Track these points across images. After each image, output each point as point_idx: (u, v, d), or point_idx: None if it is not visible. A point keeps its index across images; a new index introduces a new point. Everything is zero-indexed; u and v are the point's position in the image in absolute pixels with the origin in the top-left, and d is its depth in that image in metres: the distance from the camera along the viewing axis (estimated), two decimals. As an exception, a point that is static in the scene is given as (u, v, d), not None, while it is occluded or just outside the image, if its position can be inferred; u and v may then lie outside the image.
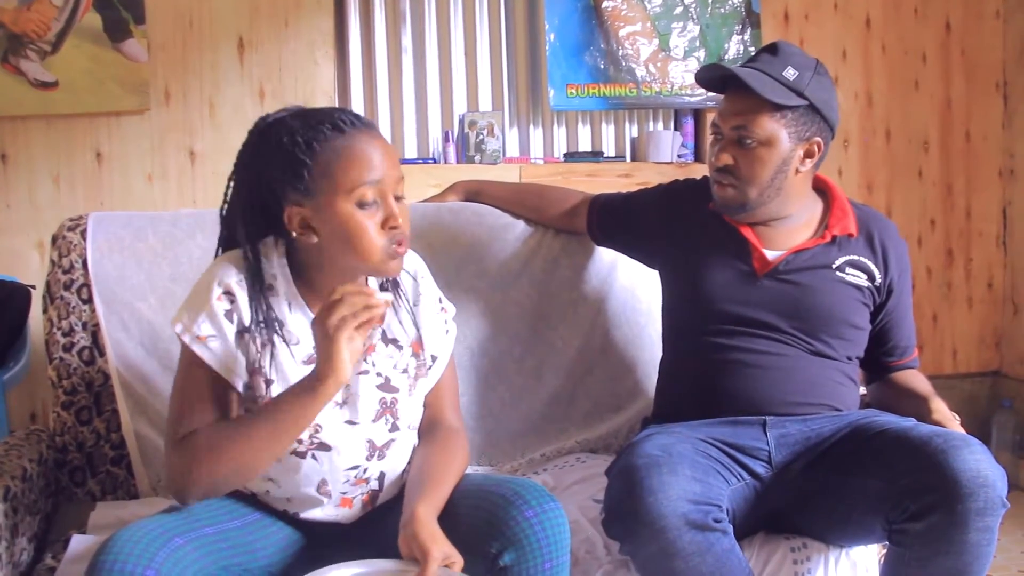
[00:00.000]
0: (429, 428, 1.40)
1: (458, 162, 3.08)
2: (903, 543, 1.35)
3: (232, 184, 1.29)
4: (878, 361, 1.70)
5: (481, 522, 1.20)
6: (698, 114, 3.33)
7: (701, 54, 3.25)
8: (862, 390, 1.71)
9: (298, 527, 1.34)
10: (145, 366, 1.71)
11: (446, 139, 3.11)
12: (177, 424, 1.22)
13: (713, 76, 1.62)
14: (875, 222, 1.68)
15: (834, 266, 1.61)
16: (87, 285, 1.73)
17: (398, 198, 1.25)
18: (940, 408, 1.55)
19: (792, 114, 1.55)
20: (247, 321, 1.24)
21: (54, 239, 1.77)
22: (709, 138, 1.66)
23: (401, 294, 1.38)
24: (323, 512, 1.33)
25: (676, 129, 3.33)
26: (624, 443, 1.73)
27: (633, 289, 1.99)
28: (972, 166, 3.53)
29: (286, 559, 1.31)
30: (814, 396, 1.57)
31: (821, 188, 1.70)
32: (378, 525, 1.33)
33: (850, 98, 3.37)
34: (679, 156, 3.25)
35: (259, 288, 1.25)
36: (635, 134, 3.35)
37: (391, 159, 1.24)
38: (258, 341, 1.25)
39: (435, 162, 3.11)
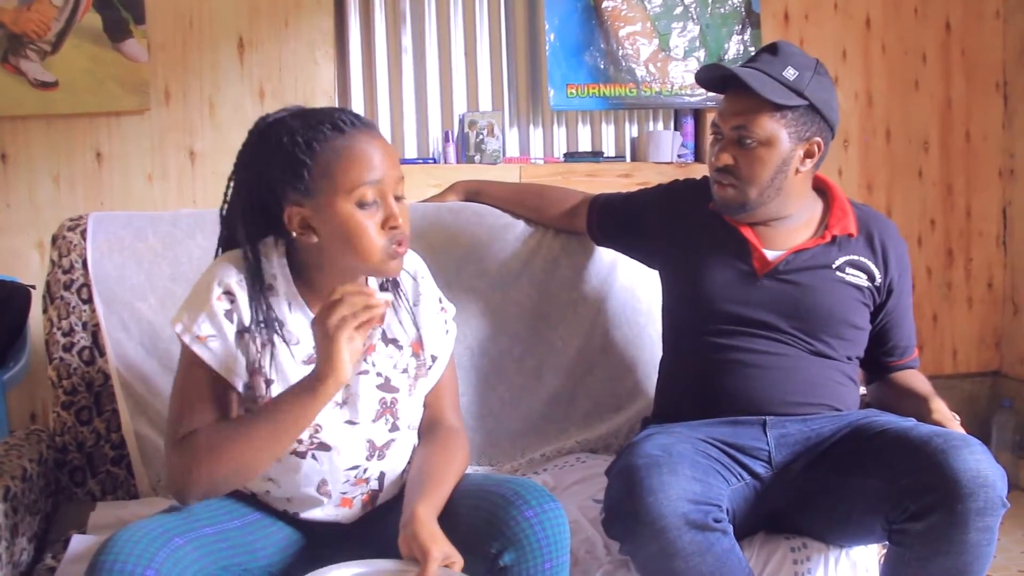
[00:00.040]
0: (429, 428, 1.40)
1: (458, 162, 3.08)
2: (903, 543, 1.35)
3: (232, 184, 1.29)
4: (878, 361, 1.70)
5: (481, 522, 1.20)
6: (698, 114, 3.33)
7: (701, 54, 3.25)
8: (862, 390, 1.71)
9: (298, 527, 1.34)
10: (145, 366, 1.71)
11: (446, 139, 3.11)
12: (177, 424, 1.22)
13: (713, 76, 1.62)
14: (875, 222, 1.68)
15: (834, 266, 1.61)
16: (87, 285, 1.73)
17: (398, 198, 1.25)
18: (940, 408, 1.55)
19: (792, 114, 1.55)
20: (247, 321, 1.24)
21: (54, 239, 1.77)
22: (709, 138, 1.66)
23: (401, 294, 1.38)
24: (323, 512, 1.33)
25: (676, 129, 3.33)
26: (624, 443, 1.73)
27: (633, 289, 1.99)
28: (972, 166, 3.53)
29: (286, 559, 1.31)
30: (814, 396, 1.57)
31: (821, 188, 1.70)
32: (378, 525, 1.33)
33: (850, 98, 3.37)
34: (679, 156, 3.25)
35: (259, 288, 1.25)
36: (635, 134, 3.35)
37: (391, 159, 1.24)
38: (258, 341, 1.25)
39: (435, 162, 3.11)
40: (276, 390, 1.25)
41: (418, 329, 1.38)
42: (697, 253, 1.66)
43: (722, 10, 3.25)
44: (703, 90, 1.80)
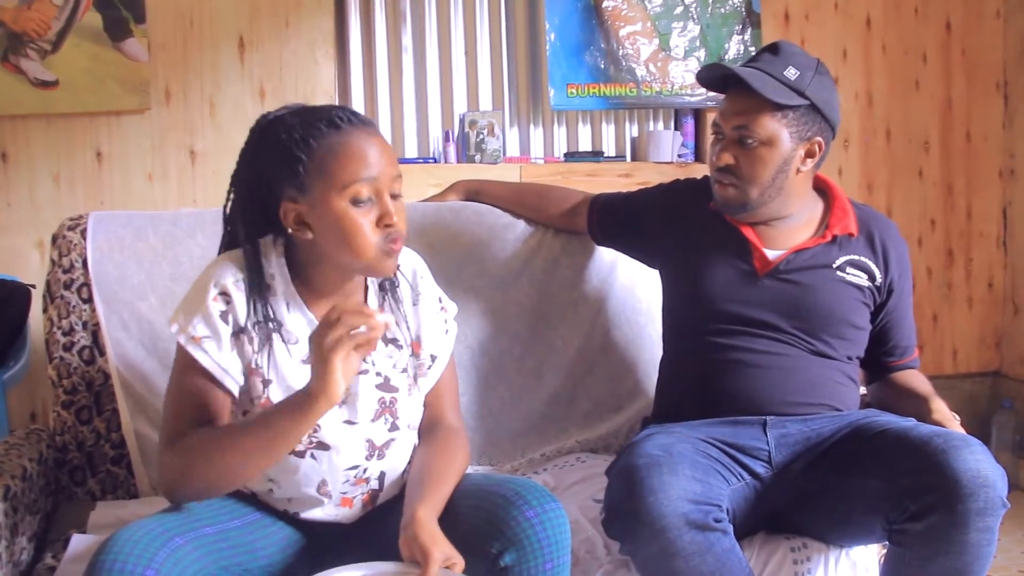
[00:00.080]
0: (429, 428, 1.40)
1: (458, 162, 3.08)
2: (903, 543, 1.35)
3: (234, 182, 1.29)
4: (878, 361, 1.70)
5: (481, 522, 1.20)
6: (698, 114, 3.33)
7: (701, 54, 3.25)
8: (862, 390, 1.71)
9: (298, 527, 1.34)
10: (145, 365, 1.71)
11: (446, 139, 3.11)
12: (170, 425, 1.22)
13: (714, 76, 1.62)
14: (876, 222, 1.68)
15: (834, 266, 1.61)
16: (87, 284, 1.73)
17: (395, 196, 1.24)
18: (940, 408, 1.55)
19: (793, 114, 1.55)
20: (243, 322, 1.24)
21: (54, 238, 1.77)
22: (710, 138, 1.66)
23: (400, 293, 1.38)
24: (323, 512, 1.33)
25: (676, 129, 3.33)
26: (624, 443, 1.73)
27: (633, 289, 1.99)
28: (972, 166, 3.52)
29: (286, 559, 1.31)
30: (814, 396, 1.57)
31: (821, 188, 1.70)
32: (378, 525, 1.33)
33: (850, 98, 3.37)
34: (679, 156, 3.25)
35: (258, 287, 1.25)
36: (635, 134, 3.35)
37: (388, 156, 1.24)
38: (255, 342, 1.25)
39: (435, 162, 3.11)
40: (274, 390, 1.25)
41: (418, 328, 1.38)
42: (697, 253, 1.66)
43: (722, 10, 3.25)
44: (703, 90, 1.80)
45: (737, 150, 1.58)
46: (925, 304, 3.49)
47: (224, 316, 1.23)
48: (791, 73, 1.54)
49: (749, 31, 3.27)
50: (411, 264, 1.41)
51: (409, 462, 1.38)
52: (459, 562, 1.15)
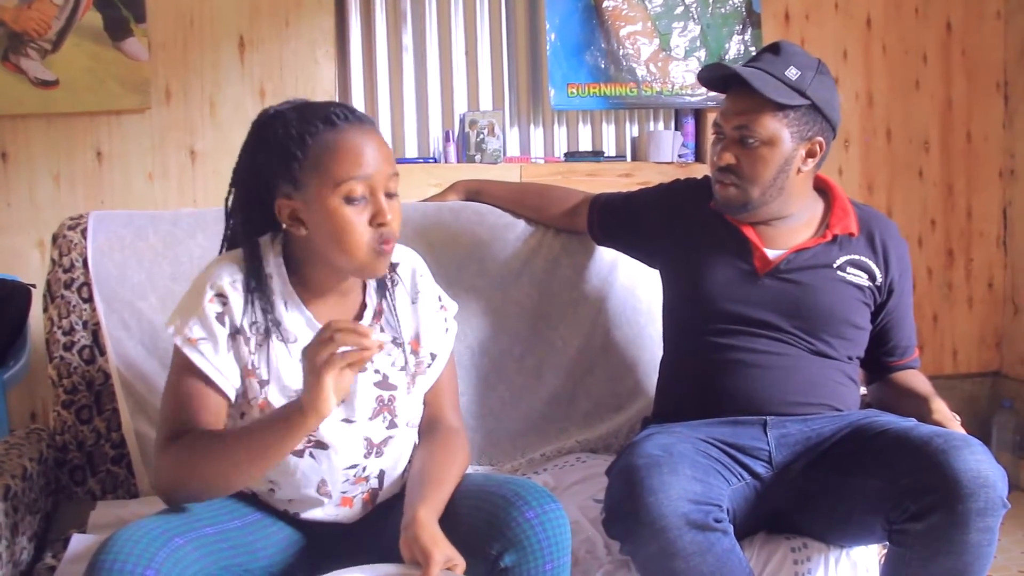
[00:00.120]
0: (429, 428, 1.40)
1: (459, 161, 3.08)
2: (904, 543, 1.35)
3: (234, 177, 1.29)
4: (879, 361, 1.70)
5: (482, 523, 1.20)
6: (699, 114, 3.33)
7: (702, 54, 3.25)
8: (862, 390, 1.71)
9: (299, 527, 1.34)
10: (145, 365, 1.71)
11: (447, 138, 3.11)
12: (166, 427, 1.22)
13: (715, 75, 1.62)
14: (876, 222, 1.68)
15: (835, 265, 1.61)
16: (87, 284, 1.73)
17: (390, 195, 1.23)
18: (940, 408, 1.55)
19: (794, 114, 1.55)
20: (240, 323, 1.24)
21: (55, 238, 1.77)
22: (711, 137, 1.66)
23: (398, 291, 1.37)
24: (324, 512, 1.33)
25: (677, 129, 3.33)
26: (624, 443, 1.73)
27: (633, 289, 1.99)
28: (973, 166, 3.52)
29: (287, 559, 1.31)
30: (815, 396, 1.57)
31: (822, 188, 1.70)
32: (379, 525, 1.33)
33: (851, 98, 3.37)
34: (680, 156, 3.25)
35: (256, 287, 1.25)
36: (636, 134, 3.35)
37: (384, 155, 1.23)
38: (252, 342, 1.24)
39: (435, 161, 3.11)
40: (271, 391, 1.25)
41: (417, 326, 1.38)
42: (698, 252, 1.66)
43: (723, 10, 3.25)
44: (704, 90, 1.80)
45: (738, 150, 1.58)
46: (925, 304, 3.49)
47: (220, 318, 1.23)
48: (792, 73, 1.54)
49: (749, 31, 3.27)
50: (410, 263, 1.41)
51: (409, 461, 1.38)
52: (460, 563, 1.15)
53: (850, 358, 1.63)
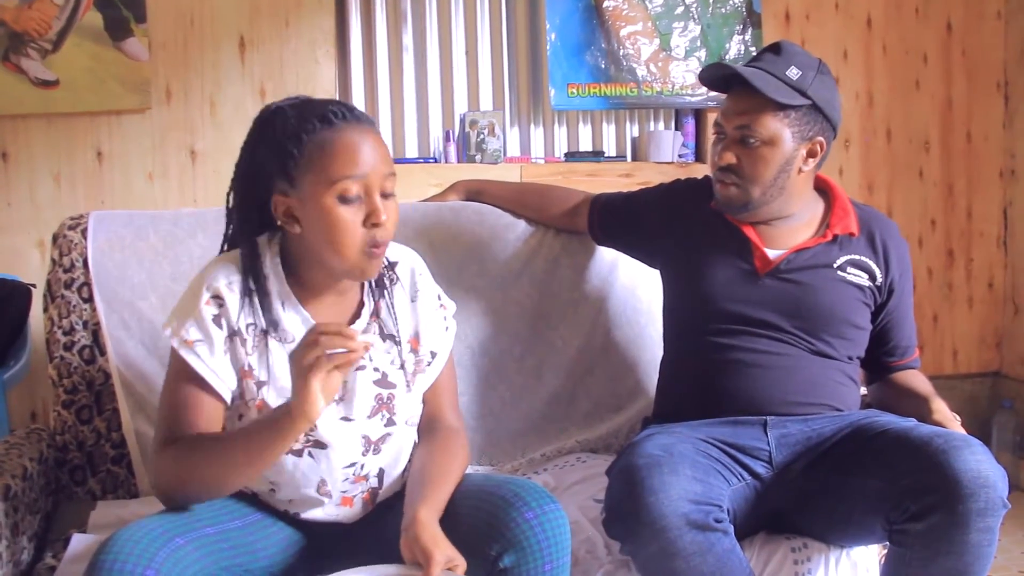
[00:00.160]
0: (428, 427, 1.39)
1: (459, 161, 3.08)
2: (904, 543, 1.35)
3: (235, 174, 1.29)
4: (879, 361, 1.70)
5: (481, 524, 1.20)
6: (699, 114, 3.33)
7: (702, 54, 3.25)
8: (863, 390, 1.71)
9: (299, 527, 1.34)
10: (146, 365, 1.71)
11: (447, 138, 3.11)
12: (163, 428, 1.22)
13: (716, 75, 1.62)
14: (876, 222, 1.68)
15: (835, 265, 1.61)
16: (88, 284, 1.73)
17: (386, 195, 1.23)
18: (941, 408, 1.55)
19: (795, 113, 1.55)
20: (237, 324, 1.23)
21: (55, 238, 1.77)
22: (711, 137, 1.66)
23: (395, 290, 1.37)
24: (324, 512, 1.33)
25: (677, 129, 3.33)
26: (624, 443, 1.73)
27: (634, 289, 1.99)
28: (973, 166, 3.52)
29: (287, 559, 1.31)
30: (815, 396, 1.57)
31: (822, 188, 1.70)
32: (379, 525, 1.33)
33: (851, 98, 3.37)
34: (680, 156, 3.25)
35: (253, 287, 1.24)
36: (636, 134, 3.35)
37: (380, 154, 1.22)
38: (248, 343, 1.24)
39: (436, 161, 3.11)
40: (268, 392, 1.25)
41: (416, 325, 1.38)
42: (698, 252, 1.66)
43: (723, 10, 3.25)
44: (704, 90, 1.80)
45: (739, 149, 1.58)
46: (925, 304, 3.49)
47: (217, 320, 1.23)
48: (793, 73, 1.54)
49: (750, 31, 3.27)
50: (409, 262, 1.41)
51: (409, 460, 1.38)
52: (461, 564, 1.15)
53: (850, 358, 1.63)
